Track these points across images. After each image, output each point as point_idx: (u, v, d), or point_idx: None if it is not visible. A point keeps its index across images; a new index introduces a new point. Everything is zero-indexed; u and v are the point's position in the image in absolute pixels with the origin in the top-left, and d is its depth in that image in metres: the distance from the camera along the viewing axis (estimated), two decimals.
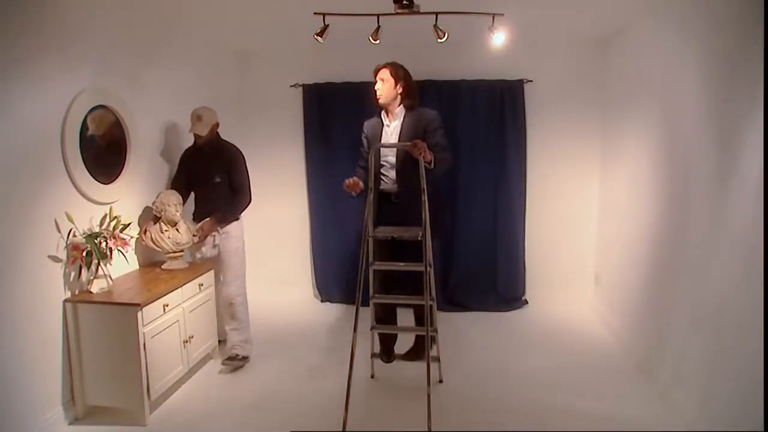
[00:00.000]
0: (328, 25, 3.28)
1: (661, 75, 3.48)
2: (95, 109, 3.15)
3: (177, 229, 3.60)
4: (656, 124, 3.56)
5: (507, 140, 4.81)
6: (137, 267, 3.60)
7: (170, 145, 4.00)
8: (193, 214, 3.89)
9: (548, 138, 4.87)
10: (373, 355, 3.51)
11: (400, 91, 3.32)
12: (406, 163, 3.27)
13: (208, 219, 3.70)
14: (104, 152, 3.28)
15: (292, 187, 5.21)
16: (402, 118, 3.36)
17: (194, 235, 3.68)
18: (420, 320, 3.59)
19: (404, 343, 3.69)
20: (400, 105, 3.37)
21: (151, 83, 3.75)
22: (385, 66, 3.36)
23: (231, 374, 3.64)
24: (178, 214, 3.58)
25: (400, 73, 3.32)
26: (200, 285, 3.55)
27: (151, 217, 3.61)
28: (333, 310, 4.97)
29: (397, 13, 3.09)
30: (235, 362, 3.68)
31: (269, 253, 5.18)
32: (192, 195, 3.90)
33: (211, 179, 3.72)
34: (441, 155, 3.21)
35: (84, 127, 3.05)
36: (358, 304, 3.06)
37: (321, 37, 3.32)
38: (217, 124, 3.76)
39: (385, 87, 3.31)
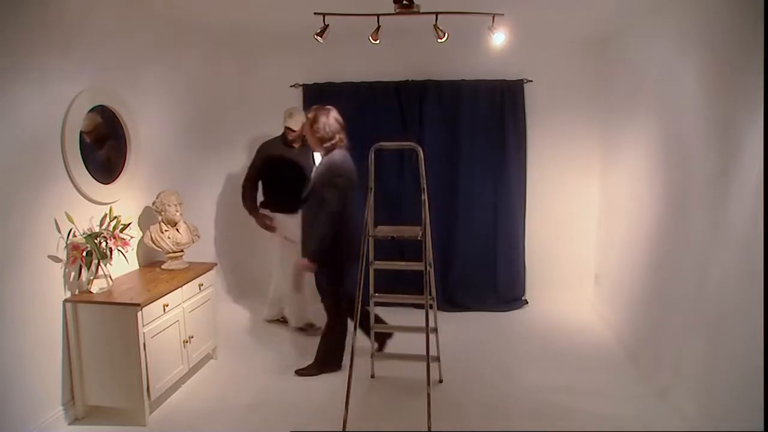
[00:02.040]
0: (328, 25, 3.29)
1: (661, 75, 3.48)
2: (94, 109, 3.15)
3: (177, 229, 3.60)
4: (656, 124, 3.57)
5: (507, 140, 4.80)
6: (137, 267, 3.60)
7: (170, 145, 4.01)
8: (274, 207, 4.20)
9: (548, 138, 4.87)
10: (373, 355, 3.51)
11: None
12: (311, 198, 3.42)
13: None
14: (103, 151, 3.27)
15: None
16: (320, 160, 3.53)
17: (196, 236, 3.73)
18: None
19: (405, 342, 3.69)
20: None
21: (152, 83, 3.75)
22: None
23: (230, 374, 3.65)
24: (178, 214, 3.58)
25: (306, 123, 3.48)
26: (200, 285, 3.55)
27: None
28: None
29: (397, 13, 3.09)
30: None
31: (270, 253, 5.17)
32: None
33: (305, 178, 3.98)
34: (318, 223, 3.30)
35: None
36: (357, 303, 3.07)
37: (321, 37, 3.32)
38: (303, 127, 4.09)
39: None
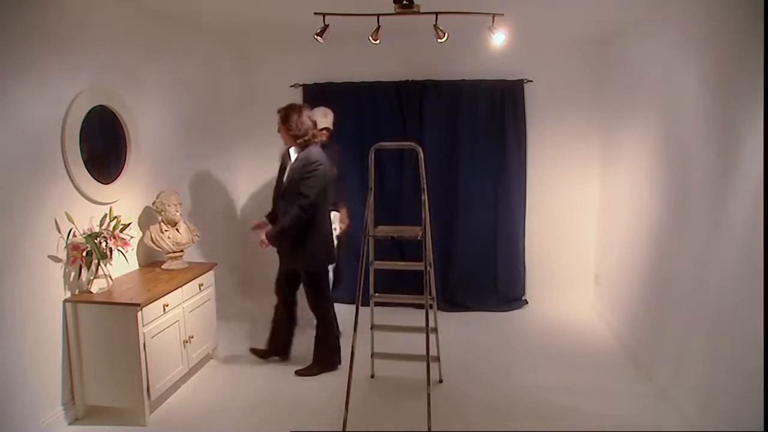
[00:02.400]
0: (328, 25, 3.29)
1: (661, 75, 3.48)
2: (95, 109, 3.14)
3: (177, 229, 3.60)
4: (656, 124, 3.57)
5: (507, 140, 4.80)
6: (137, 267, 3.60)
7: (170, 145, 4.00)
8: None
9: (548, 138, 4.87)
10: (373, 355, 3.51)
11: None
12: (289, 192, 3.45)
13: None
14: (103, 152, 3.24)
15: None
16: (296, 155, 3.52)
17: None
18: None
19: (405, 342, 3.69)
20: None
21: (152, 83, 3.75)
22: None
23: (230, 374, 3.65)
24: (178, 214, 3.58)
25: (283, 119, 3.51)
26: (200, 285, 3.55)
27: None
28: None
29: (397, 13, 3.09)
30: None
31: (269, 253, 5.17)
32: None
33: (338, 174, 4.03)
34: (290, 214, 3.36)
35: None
36: (357, 303, 3.07)
37: (321, 37, 3.32)
38: None
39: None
